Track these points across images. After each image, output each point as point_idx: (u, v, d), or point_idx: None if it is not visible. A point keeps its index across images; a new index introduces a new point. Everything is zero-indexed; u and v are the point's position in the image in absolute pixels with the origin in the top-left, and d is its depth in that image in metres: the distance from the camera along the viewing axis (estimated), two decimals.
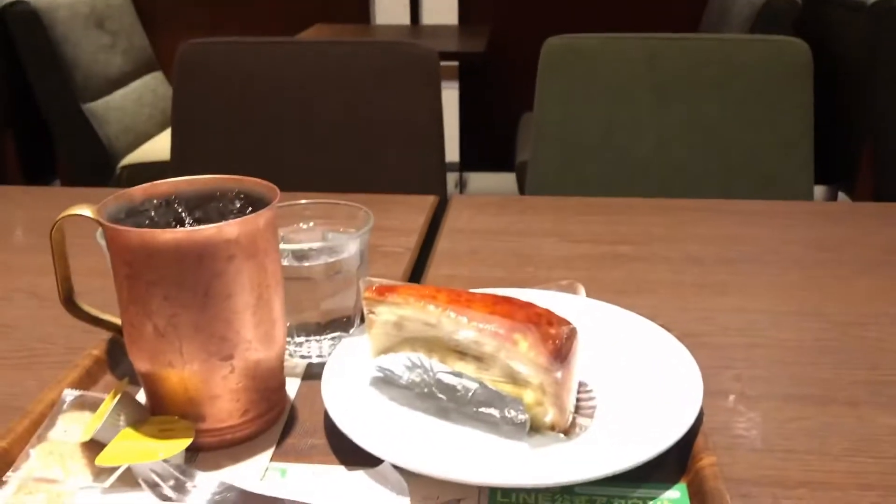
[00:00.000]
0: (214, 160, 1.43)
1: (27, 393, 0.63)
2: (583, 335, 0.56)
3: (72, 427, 0.56)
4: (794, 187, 1.35)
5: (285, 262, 0.62)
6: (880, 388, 0.63)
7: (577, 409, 0.57)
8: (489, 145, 3.22)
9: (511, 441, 0.55)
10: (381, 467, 0.52)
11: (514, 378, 0.55)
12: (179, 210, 0.58)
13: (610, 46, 1.39)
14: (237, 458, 0.55)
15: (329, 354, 0.64)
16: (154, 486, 0.50)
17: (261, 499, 0.50)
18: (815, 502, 0.51)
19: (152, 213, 0.57)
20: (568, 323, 0.55)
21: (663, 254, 0.89)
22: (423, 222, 0.98)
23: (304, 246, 0.64)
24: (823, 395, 0.63)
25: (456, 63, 2.99)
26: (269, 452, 0.56)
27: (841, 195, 2.42)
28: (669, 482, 0.52)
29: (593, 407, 0.57)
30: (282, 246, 0.60)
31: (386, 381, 0.61)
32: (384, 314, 0.59)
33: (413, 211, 1.01)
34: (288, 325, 0.61)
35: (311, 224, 0.70)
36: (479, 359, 0.56)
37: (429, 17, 3.27)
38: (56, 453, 0.53)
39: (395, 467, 0.51)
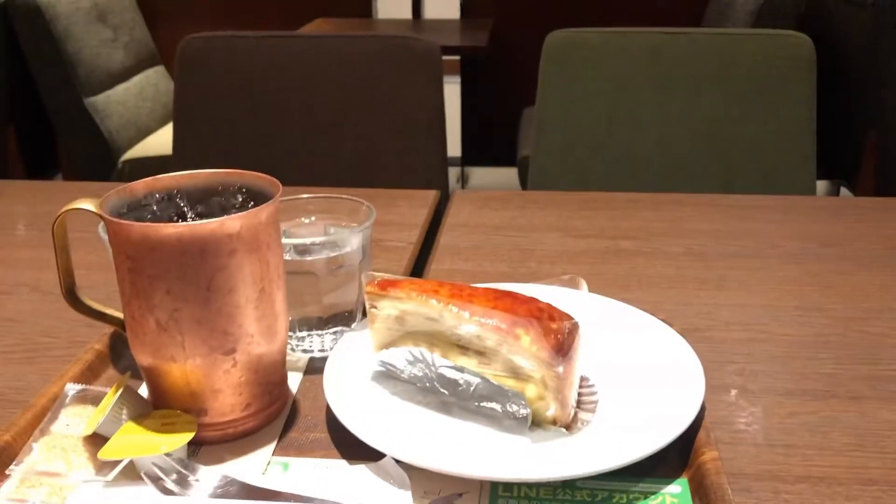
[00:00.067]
0: (216, 154, 1.43)
1: (30, 387, 0.63)
2: (585, 330, 0.56)
3: (74, 421, 0.56)
4: (797, 182, 1.35)
5: (287, 257, 0.62)
6: (882, 383, 0.63)
7: (579, 403, 0.57)
8: (491, 140, 3.22)
9: (513, 435, 0.55)
10: (382, 461, 0.52)
11: (515, 372, 0.55)
12: (181, 204, 0.58)
13: (612, 41, 1.38)
14: (239, 452, 0.55)
15: (331, 349, 0.64)
16: (156, 480, 0.50)
17: (263, 493, 0.50)
18: (817, 497, 0.51)
19: (154, 208, 0.57)
20: (570, 318, 0.55)
21: (665, 248, 0.89)
22: (425, 217, 0.98)
23: (307, 240, 0.64)
24: (825, 389, 0.63)
25: (458, 57, 2.99)
26: (272, 446, 0.56)
27: (843, 190, 2.42)
28: (671, 477, 0.52)
29: (595, 402, 0.58)
30: (284, 240, 0.60)
31: (388, 376, 0.61)
32: (386, 308, 0.59)
33: (415, 205, 1.01)
34: (290, 319, 0.61)
35: (313, 218, 0.70)
36: (480, 353, 0.56)
37: (430, 11, 3.27)
38: (59, 447, 0.53)
39: (397, 461, 0.52)
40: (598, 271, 0.83)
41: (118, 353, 0.66)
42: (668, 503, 0.50)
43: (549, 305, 0.56)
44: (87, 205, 0.55)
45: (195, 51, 1.42)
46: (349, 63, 1.40)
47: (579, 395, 0.57)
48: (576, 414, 0.56)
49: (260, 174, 0.58)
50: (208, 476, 0.51)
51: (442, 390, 0.58)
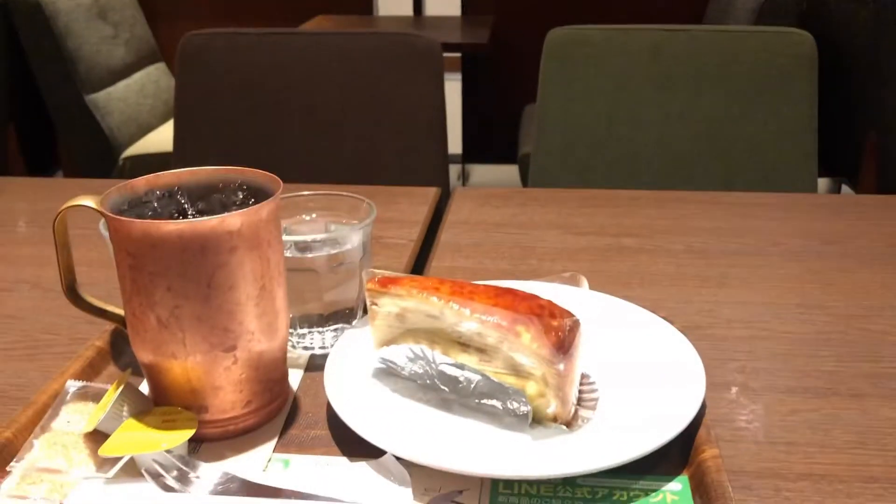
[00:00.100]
0: (217, 151, 1.43)
1: (31, 383, 0.63)
2: (585, 327, 0.56)
3: (75, 417, 0.56)
4: (798, 179, 1.35)
5: (288, 254, 0.62)
6: (884, 381, 0.63)
7: (580, 400, 0.57)
8: (492, 137, 3.22)
9: (513, 433, 0.55)
10: (383, 458, 0.52)
11: (516, 370, 0.55)
12: (182, 201, 0.58)
13: (613, 38, 1.38)
14: (240, 449, 0.55)
15: (332, 346, 0.64)
16: (157, 477, 0.50)
17: (263, 489, 0.50)
18: (818, 495, 0.51)
19: (155, 205, 0.57)
20: (571, 315, 0.55)
21: (666, 246, 0.89)
22: (426, 214, 0.98)
23: (307, 237, 0.64)
24: (826, 387, 0.63)
25: (459, 54, 2.99)
26: (272, 443, 0.56)
27: (844, 188, 2.42)
28: (671, 474, 0.52)
29: (595, 399, 0.58)
30: (284, 237, 0.60)
31: (388, 373, 0.61)
32: (387, 306, 0.59)
33: (416, 203, 1.01)
34: (291, 316, 0.61)
35: (314, 215, 0.70)
36: (481, 350, 0.56)
37: (431, 8, 3.26)
38: (59, 443, 0.53)
39: (398, 458, 0.52)
40: (598, 269, 0.83)
41: (119, 350, 0.66)
42: (669, 500, 0.50)
43: (549, 303, 0.56)
44: (88, 202, 0.55)
45: (196, 48, 1.42)
46: (350, 60, 1.40)
47: (580, 392, 0.57)
48: (576, 411, 0.56)
49: (261, 171, 0.58)
50: (209, 473, 0.51)
51: (442, 387, 0.58)
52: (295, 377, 0.63)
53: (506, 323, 0.54)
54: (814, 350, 0.68)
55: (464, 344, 0.56)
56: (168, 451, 0.51)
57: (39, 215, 1.02)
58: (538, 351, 0.53)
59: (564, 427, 0.55)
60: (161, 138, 2.51)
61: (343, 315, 0.66)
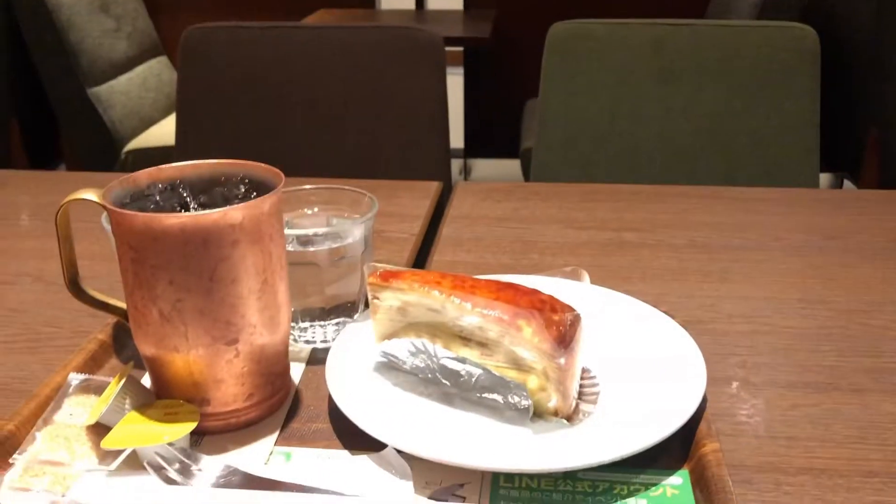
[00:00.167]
0: (219, 145, 1.43)
1: (33, 376, 0.63)
2: (587, 321, 0.56)
3: (77, 410, 0.56)
4: (800, 174, 1.34)
5: (290, 248, 0.62)
6: (885, 376, 0.63)
7: (581, 395, 0.57)
8: (494, 132, 3.21)
9: (514, 426, 0.55)
10: (384, 452, 0.52)
11: (517, 364, 0.55)
12: (184, 195, 0.58)
13: (616, 32, 1.38)
14: (242, 442, 0.55)
15: (333, 339, 0.65)
16: (159, 470, 0.50)
17: (265, 482, 0.50)
18: (818, 489, 0.51)
19: (157, 198, 0.57)
20: (572, 309, 0.55)
21: (667, 241, 0.89)
22: (428, 208, 0.98)
23: (309, 231, 0.64)
24: (827, 382, 0.63)
25: (461, 49, 2.99)
26: (274, 437, 0.56)
27: (846, 183, 2.42)
28: (672, 468, 0.52)
29: (596, 393, 0.58)
30: (286, 231, 0.60)
31: (390, 367, 0.61)
32: (388, 299, 0.59)
33: (417, 197, 1.01)
34: (292, 310, 0.62)
35: (316, 209, 0.70)
36: (482, 344, 0.56)
37: (433, 2, 3.26)
38: (62, 436, 0.53)
39: (399, 452, 0.52)
40: (600, 263, 0.83)
41: (121, 343, 0.66)
42: (669, 495, 0.50)
43: (551, 297, 0.56)
44: (91, 195, 0.55)
45: (198, 41, 1.42)
46: (352, 54, 1.39)
47: (581, 386, 0.57)
48: (577, 405, 0.56)
49: (262, 165, 0.58)
50: (211, 466, 0.52)
51: (444, 381, 0.58)
52: (297, 371, 0.63)
53: (507, 317, 0.54)
54: (815, 345, 0.68)
55: (465, 338, 0.56)
56: (170, 444, 0.51)
57: (42, 209, 1.02)
58: (539, 345, 0.53)
59: (565, 421, 0.55)
60: (163, 132, 2.51)
61: (345, 309, 0.67)
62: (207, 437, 0.56)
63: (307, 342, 0.66)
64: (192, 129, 1.44)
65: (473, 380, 0.56)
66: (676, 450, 0.54)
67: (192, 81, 1.43)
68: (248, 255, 0.53)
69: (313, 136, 1.41)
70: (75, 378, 0.59)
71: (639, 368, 0.60)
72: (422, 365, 0.59)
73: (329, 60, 1.40)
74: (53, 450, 0.52)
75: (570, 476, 0.52)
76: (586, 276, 0.72)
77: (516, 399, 0.55)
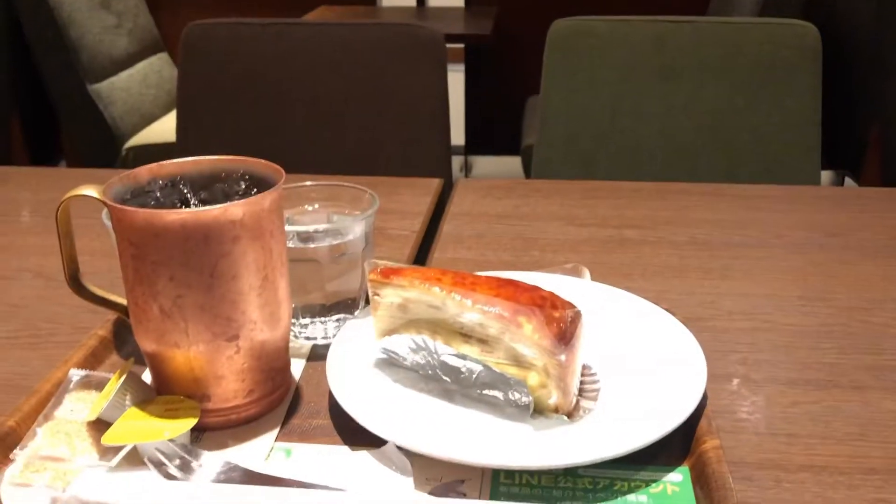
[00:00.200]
0: (220, 141, 1.43)
1: (34, 372, 0.63)
2: (587, 318, 0.56)
3: (78, 406, 0.56)
4: (801, 172, 1.34)
5: (290, 244, 0.62)
6: (885, 373, 0.63)
7: (581, 391, 0.57)
8: (495, 129, 3.21)
9: (514, 423, 0.55)
10: (385, 448, 0.52)
11: (518, 360, 0.55)
12: (185, 191, 0.58)
13: (617, 29, 1.38)
14: (242, 438, 0.55)
15: (334, 336, 0.65)
16: (159, 465, 0.50)
17: (265, 478, 0.50)
18: (818, 486, 0.51)
19: (158, 194, 0.57)
20: (572, 306, 0.55)
21: (668, 238, 0.89)
22: (428, 205, 0.98)
23: (310, 227, 0.64)
24: (828, 379, 0.63)
25: (462, 45, 2.98)
26: (274, 433, 0.56)
27: (847, 181, 2.41)
28: (672, 465, 0.52)
29: (597, 390, 0.58)
30: (287, 227, 0.60)
31: (390, 363, 0.61)
32: (389, 296, 0.59)
33: (418, 194, 1.01)
34: (293, 306, 0.62)
35: (316, 206, 0.70)
36: (483, 341, 0.56)
37: None
38: (62, 432, 0.53)
39: (399, 448, 0.52)
40: (601, 260, 0.83)
41: (122, 339, 0.67)
42: (670, 491, 0.50)
43: (551, 294, 0.56)
44: (91, 191, 0.55)
45: (199, 38, 1.42)
46: (353, 50, 1.39)
47: (581, 383, 0.57)
48: (577, 402, 0.56)
49: (263, 161, 0.58)
50: (211, 462, 0.52)
51: (444, 378, 0.58)
52: (297, 367, 0.63)
53: (507, 314, 0.54)
54: (815, 342, 0.68)
55: (466, 335, 0.56)
56: (171, 440, 0.51)
57: (42, 205, 1.02)
58: (540, 342, 0.53)
59: (566, 418, 0.55)
60: (164, 128, 2.51)
61: (345, 305, 0.67)
62: (208, 434, 0.56)
63: (308, 338, 0.66)
64: (192, 125, 1.44)
65: (474, 376, 0.56)
66: (677, 446, 0.54)
67: (192, 78, 1.43)
68: (249, 252, 0.53)
69: (314, 133, 1.41)
70: (76, 374, 0.59)
71: (639, 365, 0.60)
72: (422, 361, 0.59)
73: (330, 57, 1.39)
74: (54, 445, 0.52)
75: (570, 473, 0.52)
76: (587, 273, 0.73)
77: (517, 396, 0.55)
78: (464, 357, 0.56)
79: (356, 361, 0.61)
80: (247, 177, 0.58)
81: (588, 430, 0.54)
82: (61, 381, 0.58)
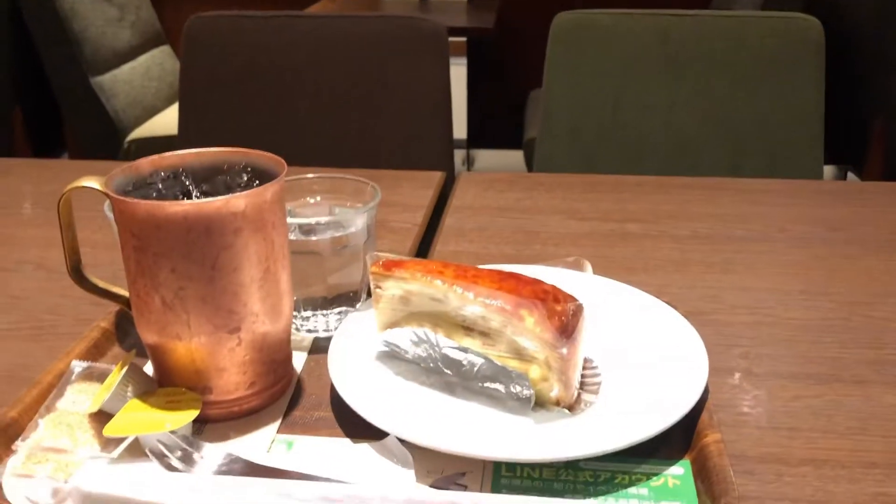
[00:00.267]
0: (222, 134, 1.42)
1: (36, 364, 0.63)
2: (589, 312, 0.56)
3: (80, 398, 0.56)
4: (804, 166, 1.34)
5: (292, 236, 0.62)
6: (887, 368, 0.63)
7: (583, 385, 0.57)
8: (497, 122, 3.21)
9: (516, 416, 0.55)
10: (386, 440, 0.52)
11: (519, 353, 0.55)
12: (187, 183, 0.58)
13: (620, 22, 1.38)
14: (244, 431, 0.55)
15: (336, 328, 0.65)
16: (161, 457, 0.50)
17: (267, 470, 0.50)
18: (819, 480, 0.51)
19: (160, 186, 0.57)
20: (574, 299, 0.55)
21: (671, 232, 0.89)
22: (431, 198, 0.98)
23: (311, 220, 0.64)
24: (829, 373, 0.63)
25: (464, 39, 2.97)
26: (276, 425, 0.56)
27: (850, 175, 2.41)
28: (674, 458, 0.52)
29: (598, 383, 0.58)
30: (289, 220, 0.60)
31: (392, 356, 0.61)
32: (391, 289, 0.59)
33: (420, 187, 1.01)
34: (295, 299, 0.62)
35: (318, 198, 0.70)
36: (485, 334, 0.56)
37: None
38: (64, 423, 0.53)
39: (401, 440, 0.52)
40: (603, 254, 0.83)
41: (123, 330, 0.67)
42: (671, 484, 0.50)
43: (553, 287, 0.56)
44: (93, 183, 0.55)
45: (201, 30, 1.41)
46: (355, 43, 1.39)
47: (583, 376, 0.57)
48: (579, 395, 0.56)
49: (265, 153, 0.58)
50: (213, 453, 0.52)
51: (446, 370, 0.58)
52: (299, 360, 0.63)
53: (509, 307, 0.54)
54: (817, 336, 0.68)
55: (467, 327, 0.56)
56: (172, 432, 0.51)
57: (44, 197, 1.02)
58: (541, 335, 0.53)
59: (567, 411, 0.55)
60: (166, 121, 2.51)
61: (347, 298, 0.67)
62: (209, 425, 0.56)
63: (309, 331, 0.66)
64: (194, 118, 1.44)
65: (475, 369, 0.56)
66: (678, 440, 0.54)
67: (194, 70, 1.43)
68: (251, 244, 0.53)
69: (316, 126, 1.41)
70: (78, 365, 0.59)
71: (641, 359, 0.60)
72: (424, 354, 0.59)
73: (332, 50, 1.39)
74: (56, 437, 0.52)
75: (571, 465, 0.52)
76: (589, 267, 0.72)
77: (518, 389, 0.55)
78: (465, 350, 0.56)
79: (358, 354, 0.61)
80: (249, 169, 0.58)
81: (589, 423, 0.54)
82: (63, 373, 0.58)
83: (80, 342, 0.63)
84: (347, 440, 0.55)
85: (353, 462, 0.52)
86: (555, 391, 0.54)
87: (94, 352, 0.63)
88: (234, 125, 1.43)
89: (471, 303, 0.55)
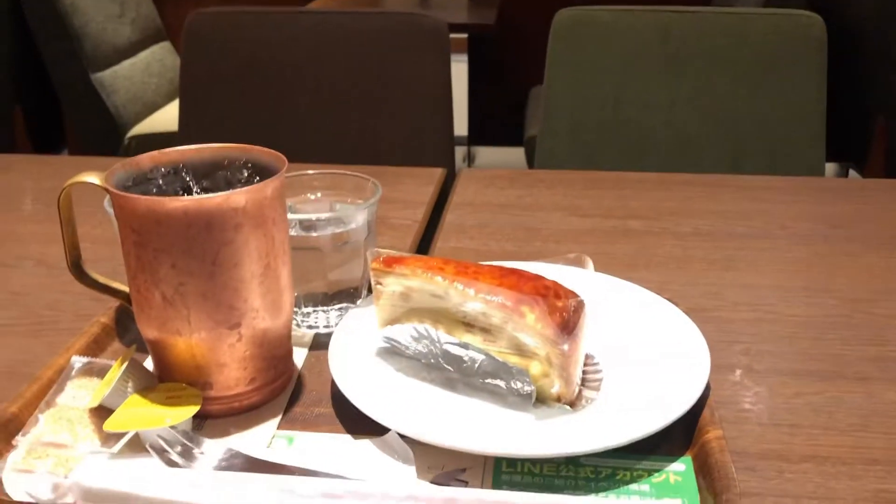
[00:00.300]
0: (222, 131, 1.42)
1: (36, 359, 0.63)
2: (590, 308, 0.55)
3: (80, 393, 0.56)
4: (805, 163, 1.34)
5: (293, 232, 0.62)
6: (889, 365, 0.63)
7: (584, 381, 0.57)
8: (498, 119, 3.20)
9: (517, 412, 0.55)
10: (387, 436, 0.52)
11: (520, 350, 0.55)
12: (187, 178, 0.58)
13: (622, 19, 1.37)
14: (244, 426, 0.55)
15: (336, 325, 0.64)
16: (161, 452, 0.50)
17: (267, 466, 0.50)
18: (821, 476, 0.51)
19: (160, 182, 0.57)
20: (575, 296, 0.55)
21: (672, 228, 0.88)
22: (431, 195, 0.98)
23: (312, 216, 0.64)
24: (831, 370, 0.62)
25: (465, 35, 2.96)
26: (276, 420, 0.56)
27: (852, 173, 2.41)
28: (675, 455, 0.52)
29: (599, 379, 0.57)
30: (289, 215, 0.59)
31: (392, 352, 0.61)
32: (391, 285, 0.59)
33: (421, 183, 1.01)
34: (295, 295, 0.61)
35: (319, 195, 0.69)
36: (485, 330, 0.56)
37: None
38: (65, 418, 0.53)
39: (402, 436, 0.52)
40: (604, 251, 0.83)
41: (124, 326, 0.66)
42: (672, 481, 0.50)
43: (554, 283, 0.56)
44: (93, 178, 0.54)
45: (201, 27, 1.41)
46: (356, 39, 1.39)
47: (584, 372, 0.57)
48: (580, 391, 0.56)
49: (266, 149, 0.57)
50: (213, 449, 0.52)
51: (446, 367, 0.58)
52: (299, 355, 0.63)
53: (510, 303, 0.54)
54: (819, 333, 0.68)
55: (468, 324, 0.56)
56: (172, 427, 0.51)
57: (44, 193, 1.02)
58: (542, 331, 0.53)
59: (568, 407, 0.55)
60: (166, 117, 2.51)
61: (347, 294, 0.66)
62: (210, 421, 0.56)
63: (310, 327, 0.66)
64: (194, 114, 1.44)
65: (476, 365, 0.56)
66: (679, 437, 0.53)
67: (195, 67, 1.43)
68: (251, 239, 0.53)
69: (317, 122, 1.40)
70: (78, 361, 0.59)
71: (642, 355, 0.60)
72: (424, 350, 0.59)
73: (333, 46, 1.39)
74: (56, 432, 0.52)
75: (572, 462, 0.52)
76: (590, 263, 0.72)
77: (519, 385, 0.55)
78: (466, 346, 0.56)
79: (358, 350, 0.61)
80: (249, 165, 0.58)
81: (590, 419, 0.54)
82: (63, 368, 0.58)
83: (81, 338, 0.63)
84: (348, 436, 0.55)
85: (353, 458, 0.52)
86: (556, 387, 0.54)
87: (95, 347, 0.63)
88: (235, 122, 1.43)
89: (472, 299, 0.55)
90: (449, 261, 0.58)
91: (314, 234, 0.63)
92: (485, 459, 0.52)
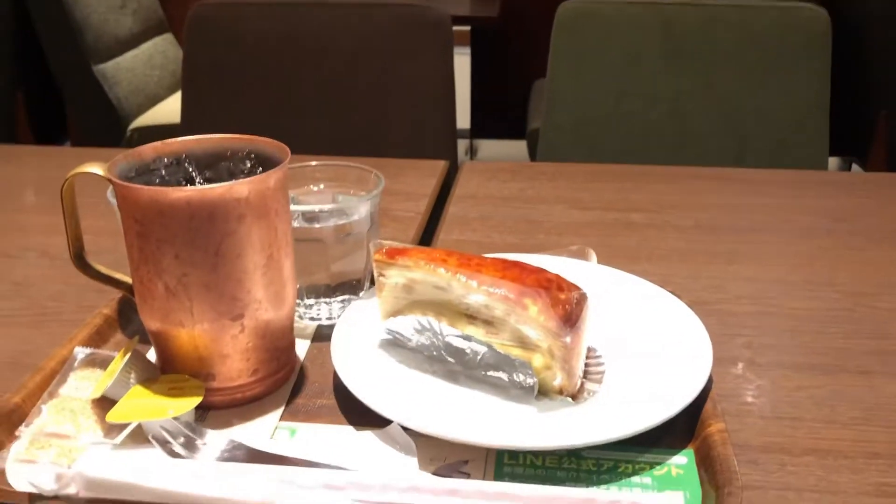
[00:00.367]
0: (225, 123, 1.41)
1: (39, 350, 0.63)
2: (593, 301, 0.55)
3: (83, 384, 0.56)
4: (808, 157, 1.34)
5: (296, 224, 0.62)
6: (891, 358, 0.63)
7: (586, 374, 0.57)
8: (501, 112, 3.20)
9: (519, 404, 0.55)
10: (389, 428, 0.52)
11: (523, 342, 0.55)
12: (190, 169, 0.58)
13: (625, 12, 1.37)
14: (247, 417, 0.55)
15: (339, 316, 0.64)
16: (164, 443, 0.50)
17: (270, 457, 0.50)
18: (822, 469, 0.51)
19: (163, 172, 0.57)
20: (578, 288, 0.55)
21: (675, 221, 0.88)
22: (434, 187, 0.98)
23: (315, 207, 0.64)
24: (833, 363, 0.62)
25: (468, 28, 2.96)
26: (279, 412, 0.56)
27: (855, 167, 2.40)
28: (677, 447, 0.52)
29: (602, 372, 0.58)
30: (292, 207, 0.59)
31: (395, 344, 0.61)
32: (394, 277, 0.59)
33: (424, 175, 1.01)
34: (298, 286, 0.61)
35: (322, 186, 0.69)
36: (488, 322, 0.56)
37: None
38: (67, 409, 0.53)
39: (404, 428, 0.52)
40: (606, 243, 0.83)
41: (126, 317, 0.67)
42: (674, 474, 0.50)
43: (557, 276, 0.56)
44: (96, 169, 0.54)
45: (204, 18, 1.41)
46: (359, 31, 1.39)
47: (586, 365, 0.57)
48: (582, 384, 0.56)
49: (269, 139, 0.57)
50: (215, 440, 0.52)
51: (449, 359, 0.58)
52: (302, 347, 0.63)
53: (513, 295, 0.54)
54: (821, 326, 0.68)
55: (471, 316, 0.56)
56: (175, 418, 0.51)
57: (47, 184, 1.01)
58: (545, 324, 0.53)
59: (570, 399, 0.55)
60: (169, 109, 2.51)
61: (350, 286, 0.66)
62: (212, 412, 0.56)
63: (312, 319, 0.66)
64: (197, 106, 1.44)
65: (479, 357, 0.56)
66: (682, 429, 0.54)
67: (197, 59, 1.43)
68: (254, 230, 0.53)
69: (319, 114, 1.40)
70: (81, 352, 0.59)
71: (644, 348, 0.60)
72: (427, 342, 0.59)
73: (336, 38, 1.39)
74: (59, 423, 0.52)
75: (574, 454, 0.52)
76: (593, 256, 0.72)
77: (521, 377, 0.55)
78: (469, 338, 0.56)
79: (361, 342, 0.61)
80: (252, 155, 0.58)
81: (592, 412, 0.54)
82: (66, 359, 0.58)
83: (83, 329, 0.63)
84: (350, 428, 0.55)
85: (355, 450, 0.52)
86: (558, 380, 0.54)
87: (97, 338, 0.63)
88: (237, 114, 1.43)
89: (474, 291, 0.55)
90: (452, 253, 0.58)
91: (317, 226, 0.63)
92: (487, 451, 0.52)
